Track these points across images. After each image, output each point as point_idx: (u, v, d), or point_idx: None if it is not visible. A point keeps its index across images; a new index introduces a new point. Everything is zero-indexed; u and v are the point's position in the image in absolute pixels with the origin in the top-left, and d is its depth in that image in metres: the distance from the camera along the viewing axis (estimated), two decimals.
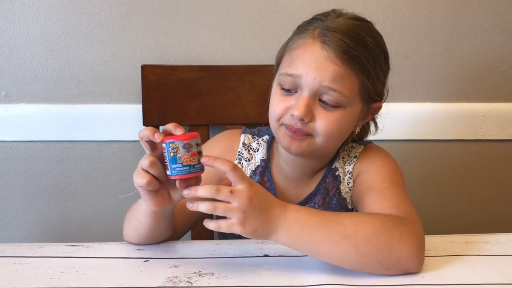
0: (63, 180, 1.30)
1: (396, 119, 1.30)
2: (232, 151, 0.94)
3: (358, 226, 0.75)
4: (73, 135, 1.27)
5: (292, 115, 0.83)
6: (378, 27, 0.89)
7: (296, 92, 0.84)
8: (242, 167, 0.94)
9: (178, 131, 0.73)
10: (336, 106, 0.83)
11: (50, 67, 1.25)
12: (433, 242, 0.87)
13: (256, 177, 0.93)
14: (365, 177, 0.89)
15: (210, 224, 0.74)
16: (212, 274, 0.78)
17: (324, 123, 0.83)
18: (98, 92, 1.26)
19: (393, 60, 1.27)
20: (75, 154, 1.29)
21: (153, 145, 0.75)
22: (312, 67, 0.82)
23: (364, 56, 0.83)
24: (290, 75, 0.84)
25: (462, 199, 1.37)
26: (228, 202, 0.73)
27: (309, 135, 0.84)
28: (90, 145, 1.29)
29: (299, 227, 0.75)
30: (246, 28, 1.25)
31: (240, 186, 0.73)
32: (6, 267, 0.79)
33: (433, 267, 0.80)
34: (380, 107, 0.91)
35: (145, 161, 0.74)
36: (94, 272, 0.78)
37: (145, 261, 0.81)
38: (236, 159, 0.94)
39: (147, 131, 0.73)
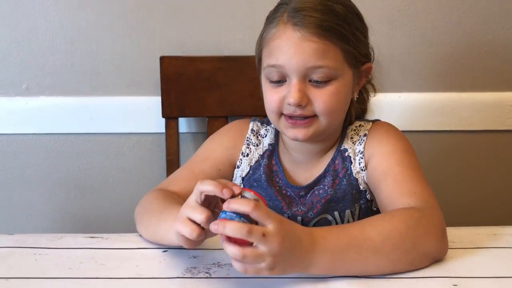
0: (83, 172, 1.31)
1: (421, 109, 1.27)
2: (242, 138, 0.96)
3: (385, 235, 0.73)
4: (93, 127, 1.28)
5: (289, 104, 0.84)
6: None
7: (285, 81, 0.85)
8: (251, 151, 0.95)
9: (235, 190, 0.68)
10: (328, 80, 0.84)
11: (69, 60, 1.25)
12: (459, 234, 0.85)
13: (264, 160, 0.94)
14: (379, 160, 0.88)
15: (235, 265, 0.68)
16: (231, 265, 0.76)
17: (322, 102, 0.84)
18: (117, 84, 1.26)
19: (416, 49, 1.25)
20: (95, 147, 1.29)
21: (208, 199, 0.71)
22: (291, 52, 0.82)
23: (337, 24, 0.83)
24: (273, 66, 0.84)
25: (489, 191, 1.33)
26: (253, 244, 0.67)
27: (313, 116, 0.85)
28: (109, 138, 1.29)
29: (330, 257, 0.71)
30: (265, 18, 1.23)
31: (270, 226, 0.67)
32: (26, 258, 0.80)
33: (459, 259, 0.78)
34: (370, 68, 0.91)
35: (201, 216, 0.70)
36: (113, 263, 0.78)
37: (163, 251, 0.81)
38: (245, 144, 0.95)
39: (213, 187, 0.69)
